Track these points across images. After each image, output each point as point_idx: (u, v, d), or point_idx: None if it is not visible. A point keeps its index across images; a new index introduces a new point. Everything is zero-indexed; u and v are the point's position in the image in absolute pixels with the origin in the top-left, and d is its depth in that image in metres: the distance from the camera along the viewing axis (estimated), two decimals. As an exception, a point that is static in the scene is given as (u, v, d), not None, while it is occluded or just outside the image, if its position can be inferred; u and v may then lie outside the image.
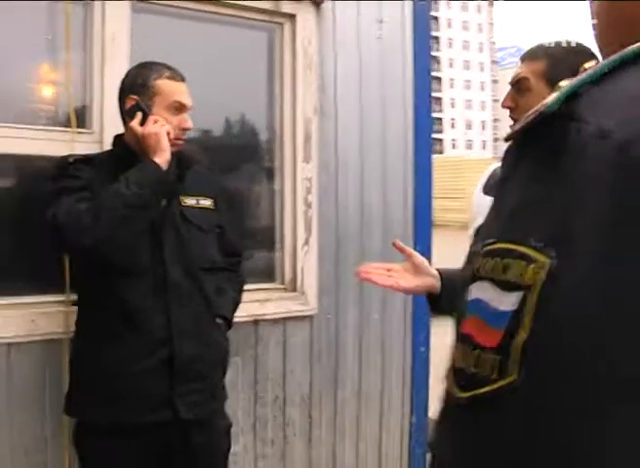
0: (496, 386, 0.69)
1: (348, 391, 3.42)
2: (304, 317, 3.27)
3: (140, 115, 2.27)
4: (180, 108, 2.33)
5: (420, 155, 3.64)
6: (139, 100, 2.29)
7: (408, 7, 3.60)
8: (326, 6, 3.32)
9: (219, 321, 2.49)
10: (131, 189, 2.14)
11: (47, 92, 2.84)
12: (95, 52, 2.78)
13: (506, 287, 0.70)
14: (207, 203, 2.50)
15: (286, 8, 3.22)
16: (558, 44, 1.84)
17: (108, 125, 2.77)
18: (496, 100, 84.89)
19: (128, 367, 2.24)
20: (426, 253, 3.63)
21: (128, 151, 2.32)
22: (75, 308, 2.51)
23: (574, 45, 1.83)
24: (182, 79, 2.37)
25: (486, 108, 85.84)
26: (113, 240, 2.14)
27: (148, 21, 2.96)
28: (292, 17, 3.25)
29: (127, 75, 2.40)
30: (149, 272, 2.28)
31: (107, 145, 2.74)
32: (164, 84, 2.32)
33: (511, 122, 1.83)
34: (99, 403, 2.26)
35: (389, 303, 3.53)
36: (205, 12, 3.06)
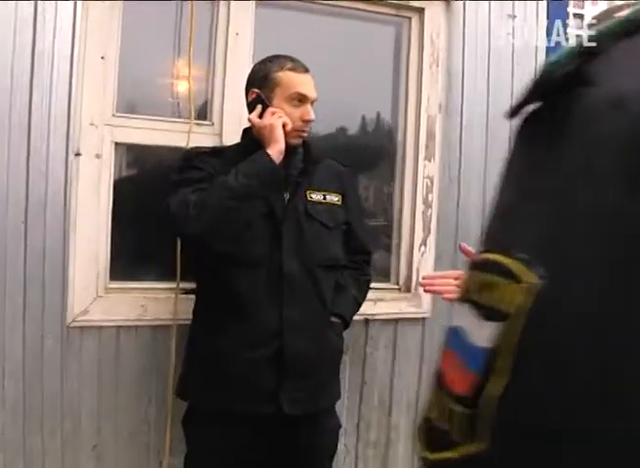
0: (458, 453, 0.50)
1: (457, 400, 3.30)
2: (417, 319, 3.18)
3: (259, 108, 2.28)
4: (301, 100, 2.31)
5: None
6: (259, 93, 2.30)
7: (543, 2, 3.42)
8: (457, 2, 3.21)
9: (334, 319, 2.45)
10: (239, 180, 2.15)
11: (172, 86, 2.91)
12: (218, 46, 2.83)
13: (487, 314, 0.51)
14: (334, 199, 2.46)
15: (415, 2, 3.13)
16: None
17: (228, 117, 2.82)
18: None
19: (239, 354, 2.27)
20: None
21: (253, 143, 2.32)
22: (185, 296, 2.56)
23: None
24: (305, 70, 2.35)
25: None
26: (217, 230, 2.16)
27: (273, 16, 2.96)
28: (420, 10, 3.17)
29: (252, 69, 2.43)
30: (265, 264, 2.28)
31: (227, 137, 2.79)
32: (285, 75, 2.31)
33: None
34: (210, 386, 2.31)
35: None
36: (331, 5, 3.03)
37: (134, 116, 2.70)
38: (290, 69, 2.32)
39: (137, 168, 2.93)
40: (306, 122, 2.33)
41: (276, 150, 2.21)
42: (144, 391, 2.68)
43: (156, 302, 2.69)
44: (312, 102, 2.34)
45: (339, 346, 2.49)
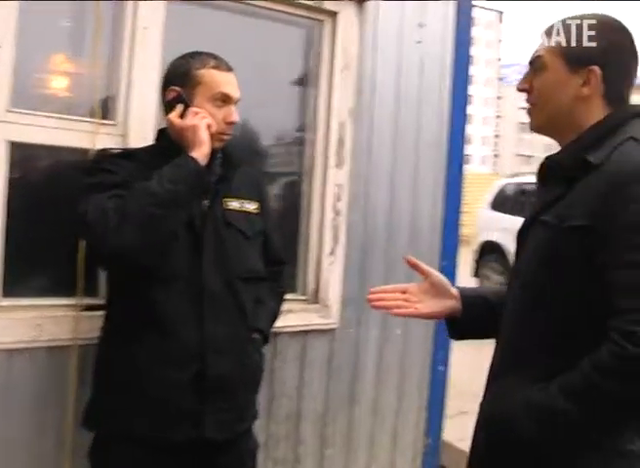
0: None
1: (364, 409, 3.28)
2: (325, 331, 3.11)
3: (180, 107, 2.11)
4: (225, 100, 2.16)
5: (452, 166, 3.49)
6: (180, 92, 2.12)
7: (451, 12, 3.44)
8: (369, 5, 3.15)
9: (255, 335, 2.33)
10: (163, 186, 1.97)
11: (70, 81, 2.65)
12: (125, 40, 2.60)
13: None
14: (252, 207, 2.32)
15: (328, 4, 3.04)
16: (581, 15, 1.60)
17: (134, 117, 2.60)
18: (499, 117, 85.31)
19: (159, 375, 2.09)
20: (452, 268, 3.50)
21: (171, 145, 2.14)
22: (87, 313, 2.35)
23: (599, 16, 1.59)
24: (229, 69, 2.20)
25: (488, 124, 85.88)
26: (141, 242, 1.96)
27: (183, 11, 2.77)
28: (334, 14, 3.08)
29: (170, 65, 2.24)
30: (185, 278, 2.11)
31: (132, 138, 2.58)
32: (208, 73, 2.15)
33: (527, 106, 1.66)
34: (125, 411, 2.10)
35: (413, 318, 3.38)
36: (244, 3, 2.88)
37: (31, 112, 2.43)
38: (213, 67, 2.16)
39: (33, 170, 2.64)
40: (230, 124, 2.19)
41: (202, 153, 2.05)
42: (39, 421, 2.42)
43: (54, 321, 2.44)
44: (236, 103, 2.20)
45: (259, 363, 2.37)
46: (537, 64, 1.61)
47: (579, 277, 1.42)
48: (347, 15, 3.10)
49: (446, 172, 3.46)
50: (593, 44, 1.53)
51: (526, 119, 1.69)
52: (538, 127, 1.67)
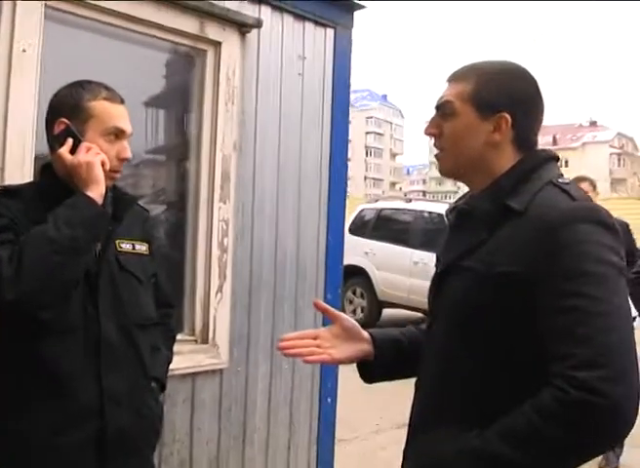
0: None
1: (256, 448, 3.19)
2: (215, 371, 3.00)
3: (70, 142, 1.94)
4: (118, 135, 2.00)
5: (333, 198, 3.50)
6: (69, 125, 1.96)
7: (330, 43, 3.47)
8: (252, 36, 3.11)
9: (153, 385, 2.19)
10: (61, 231, 1.80)
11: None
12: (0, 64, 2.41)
13: None
14: (142, 248, 2.17)
15: (211, 33, 2.97)
16: (487, 63, 1.63)
17: (11, 151, 2.42)
18: (349, 141, 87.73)
19: (49, 440, 1.89)
20: (336, 301, 3.51)
21: (57, 183, 1.98)
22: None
23: (505, 63, 1.63)
24: (122, 101, 2.05)
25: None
26: (40, 293, 1.79)
27: (63, 34, 2.62)
28: (217, 44, 3.01)
29: (56, 95, 2.04)
30: (80, 329, 1.94)
31: (9, 173, 2.39)
32: (100, 106, 1.98)
33: (436, 151, 1.66)
34: None
35: (298, 353, 3.34)
36: (126, 29, 2.75)
37: None
38: (105, 99, 2.00)
39: None
40: (122, 160, 2.03)
41: (98, 193, 1.90)
42: None
43: None
44: (128, 137, 2.06)
45: (159, 414, 2.24)
46: (446, 109, 1.60)
47: (507, 323, 1.43)
48: (231, 45, 3.04)
49: (328, 205, 3.47)
50: (502, 91, 1.56)
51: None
52: (447, 171, 1.68)
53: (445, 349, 1.57)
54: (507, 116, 1.54)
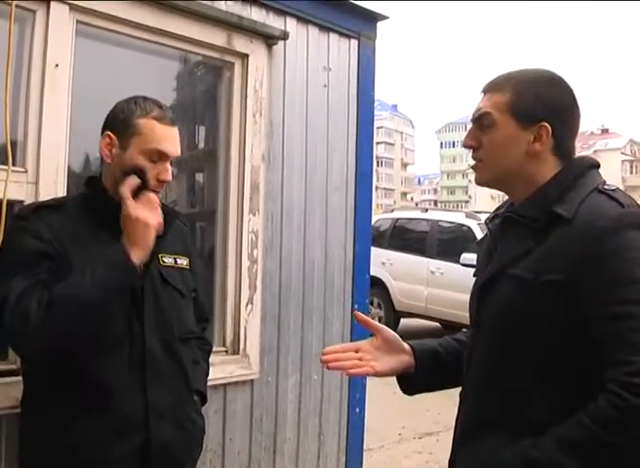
0: None
1: (287, 459, 3.19)
2: (245, 381, 3.01)
3: (133, 180, 1.91)
4: (160, 157, 1.97)
5: (360, 207, 3.51)
6: (114, 140, 1.95)
7: (354, 54, 3.49)
8: (278, 48, 3.14)
9: (195, 398, 2.20)
10: (94, 294, 1.78)
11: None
12: (33, 79, 2.43)
13: None
14: (184, 262, 2.18)
15: (239, 46, 2.99)
16: (522, 71, 1.64)
17: (45, 163, 2.43)
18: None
19: (94, 454, 1.89)
20: (364, 310, 3.51)
21: (105, 195, 1.99)
22: (17, 379, 2.12)
23: (540, 71, 1.64)
24: (172, 123, 2.01)
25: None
26: (65, 345, 1.80)
27: (93, 49, 2.65)
28: (244, 56, 3.03)
29: (114, 107, 2.04)
30: (126, 344, 1.94)
31: (43, 186, 2.41)
32: (148, 125, 1.95)
33: (473, 162, 1.66)
34: None
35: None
36: (154, 43, 2.77)
37: None
38: (155, 118, 1.96)
39: None
40: (162, 182, 2.00)
41: (141, 256, 1.86)
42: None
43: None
44: (171, 159, 2.02)
45: (202, 426, 2.24)
46: (484, 121, 1.60)
47: (554, 332, 1.43)
48: (258, 57, 3.07)
49: (355, 216, 3.48)
50: (540, 100, 1.56)
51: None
52: (485, 182, 1.68)
53: (490, 359, 1.57)
54: (547, 125, 1.54)
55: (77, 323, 1.78)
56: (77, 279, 1.80)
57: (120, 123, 1.97)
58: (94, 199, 2.03)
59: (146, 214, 1.86)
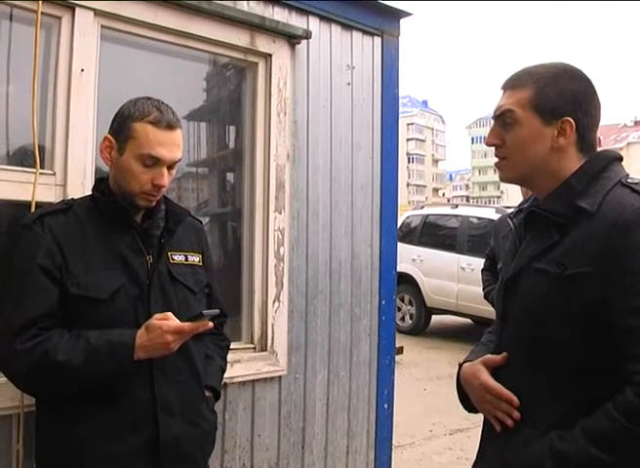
0: None
1: (315, 454, 3.21)
2: (274, 378, 3.04)
3: (204, 326, 1.94)
4: (155, 162, 1.94)
5: (386, 204, 3.52)
6: (113, 143, 1.97)
7: (378, 52, 3.50)
8: (301, 47, 3.16)
9: (207, 393, 2.21)
10: (86, 366, 1.85)
11: (8, 128, 2.50)
12: (60, 84, 2.48)
13: None
14: (195, 259, 2.19)
15: (262, 46, 3.02)
16: (540, 66, 1.63)
17: (72, 166, 2.48)
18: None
19: (104, 447, 1.91)
20: (391, 308, 3.52)
21: (111, 200, 2.01)
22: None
23: (559, 65, 1.63)
24: (170, 126, 1.95)
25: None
26: (51, 391, 1.94)
27: (118, 53, 2.69)
28: (267, 56, 3.06)
29: (118, 109, 2.03)
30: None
31: (71, 188, 2.46)
32: (142, 129, 1.92)
33: (496, 159, 1.66)
34: None
35: (355, 357, 3.38)
36: (178, 45, 2.81)
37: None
38: (151, 122, 1.92)
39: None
40: (157, 187, 1.98)
41: (144, 355, 1.89)
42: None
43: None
44: (172, 164, 1.99)
45: (213, 423, 2.25)
46: (507, 118, 1.60)
47: (581, 324, 1.43)
48: (281, 56, 3.09)
49: (380, 213, 3.49)
50: (562, 95, 1.56)
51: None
52: (510, 179, 1.68)
53: (517, 353, 1.57)
54: (571, 120, 1.54)
55: (58, 385, 1.89)
56: (72, 344, 1.86)
57: (119, 126, 1.98)
58: (100, 201, 2.04)
59: (173, 337, 1.88)
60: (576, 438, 1.36)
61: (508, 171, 1.65)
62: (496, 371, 1.63)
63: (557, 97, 1.55)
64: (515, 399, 1.55)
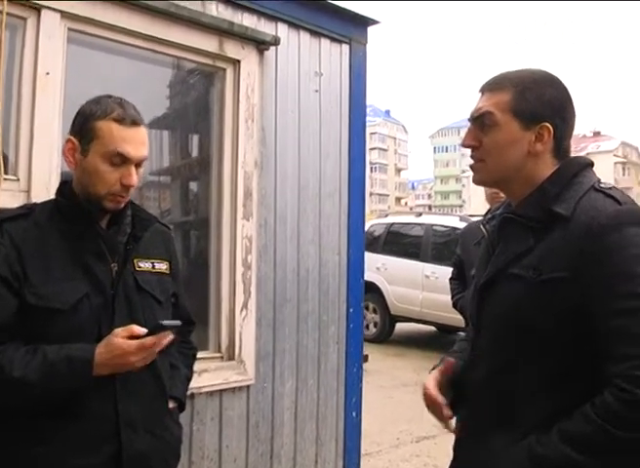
0: None
1: (284, 464, 3.18)
2: (242, 387, 3.00)
3: (166, 340, 1.81)
4: (122, 160, 1.85)
5: (353, 212, 3.51)
6: (76, 146, 1.86)
7: (345, 59, 3.50)
8: (269, 53, 3.14)
9: (171, 404, 2.15)
10: (42, 382, 1.75)
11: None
12: (24, 88, 2.42)
13: None
14: (163, 267, 2.10)
15: (230, 52, 2.99)
16: (521, 71, 1.62)
17: (37, 171, 2.43)
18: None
19: (63, 464, 1.82)
20: (358, 315, 3.51)
21: (73, 204, 1.91)
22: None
23: (537, 71, 1.63)
24: (134, 123, 1.87)
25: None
26: (7, 406, 1.81)
27: (83, 56, 2.64)
28: (236, 62, 3.04)
29: (78, 110, 1.93)
30: None
31: (35, 194, 2.40)
32: (106, 127, 1.84)
33: (471, 162, 1.65)
34: None
35: (323, 365, 3.36)
36: (145, 49, 2.77)
37: None
38: (115, 119, 1.84)
39: None
40: (126, 187, 1.89)
41: (103, 372, 1.80)
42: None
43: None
44: (140, 162, 1.90)
45: (179, 436, 2.17)
46: (486, 121, 1.59)
47: (558, 329, 1.43)
48: (250, 62, 3.07)
49: (348, 221, 3.48)
50: (541, 100, 1.56)
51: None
52: (484, 182, 1.68)
53: (495, 359, 1.56)
54: (549, 126, 1.54)
55: (15, 398, 1.79)
56: (29, 358, 1.77)
57: (80, 126, 1.89)
58: (64, 205, 1.95)
59: (136, 357, 1.80)
60: (554, 441, 1.35)
61: (484, 173, 1.64)
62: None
63: (536, 103, 1.55)
64: (440, 400, 1.64)
